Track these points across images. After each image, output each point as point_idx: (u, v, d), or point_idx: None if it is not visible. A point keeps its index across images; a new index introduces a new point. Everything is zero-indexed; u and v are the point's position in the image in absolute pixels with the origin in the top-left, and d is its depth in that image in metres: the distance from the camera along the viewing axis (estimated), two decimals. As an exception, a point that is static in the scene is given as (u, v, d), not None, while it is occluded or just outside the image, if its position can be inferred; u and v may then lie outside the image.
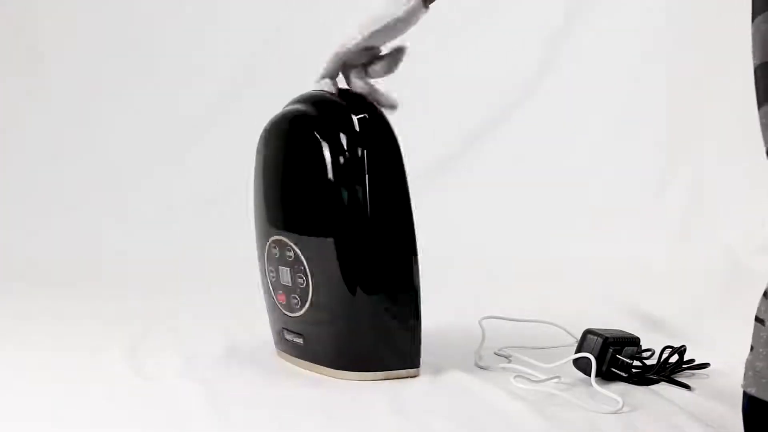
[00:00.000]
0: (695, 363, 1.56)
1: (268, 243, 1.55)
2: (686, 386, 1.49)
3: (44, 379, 1.52)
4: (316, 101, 1.52)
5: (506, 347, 1.64)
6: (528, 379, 1.50)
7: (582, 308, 1.92)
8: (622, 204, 2.36)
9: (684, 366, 1.55)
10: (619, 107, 2.44)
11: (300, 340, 1.54)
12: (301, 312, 1.52)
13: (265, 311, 1.62)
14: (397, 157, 1.49)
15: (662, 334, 1.74)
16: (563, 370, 1.51)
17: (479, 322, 1.68)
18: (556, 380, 1.50)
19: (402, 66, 1.54)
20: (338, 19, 2.47)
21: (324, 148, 1.47)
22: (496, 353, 1.63)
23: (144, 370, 1.55)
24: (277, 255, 1.53)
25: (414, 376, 1.52)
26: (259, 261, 1.59)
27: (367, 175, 1.47)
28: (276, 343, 1.61)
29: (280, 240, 1.52)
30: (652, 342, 1.61)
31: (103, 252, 2.30)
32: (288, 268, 1.52)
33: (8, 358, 1.63)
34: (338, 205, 1.47)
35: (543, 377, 1.50)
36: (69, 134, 2.53)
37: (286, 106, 1.56)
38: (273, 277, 1.56)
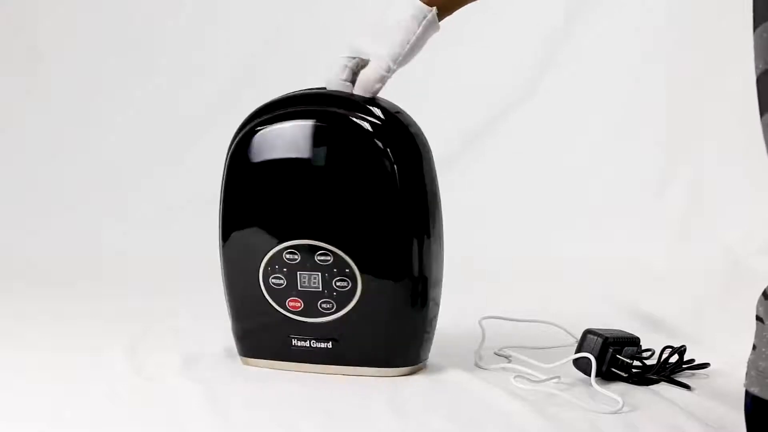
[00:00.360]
0: (695, 363, 1.56)
1: (275, 251, 1.51)
2: (686, 386, 1.49)
3: (44, 379, 1.52)
4: (342, 101, 1.50)
5: (506, 347, 1.64)
6: (528, 379, 1.50)
7: (582, 308, 1.92)
8: (621, 204, 2.36)
9: (684, 366, 1.55)
10: (619, 107, 2.44)
11: (326, 345, 1.52)
12: (337, 315, 1.50)
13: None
14: (422, 157, 1.52)
15: (662, 334, 1.74)
16: (563, 370, 1.51)
17: (479, 322, 1.68)
18: (556, 380, 1.50)
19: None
20: (337, 19, 2.48)
21: (383, 153, 1.47)
22: (496, 353, 1.63)
23: (144, 369, 1.55)
24: (297, 260, 1.50)
25: (421, 369, 1.54)
26: (243, 271, 1.54)
27: (422, 176, 1.49)
28: (267, 354, 1.55)
29: (308, 245, 1.49)
30: (652, 342, 1.61)
31: (103, 252, 2.30)
32: (318, 273, 1.50)
33: (8, 358, 1.63)
34: (399, 207, 1.47)
35: (543, 377, 1.50)
36: (68, 134, 2.53)
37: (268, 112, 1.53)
38: (279, 285, 1.52)
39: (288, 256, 1.50)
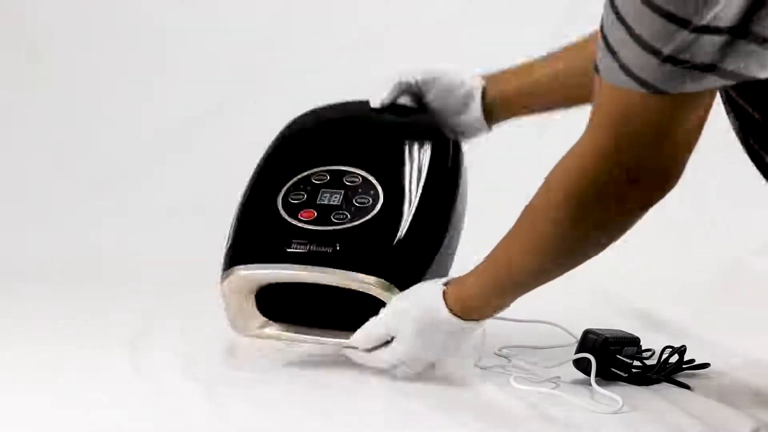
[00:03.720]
0: (695, 363, 1.56)
1: (304, 174, 1.57)
2: (686, 386, 1.49)
3: (44, 379, 1.52)
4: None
5: (506, 347, 1.64)
6: (528, 379, 1.50)
7: (582, 308, 1.92)
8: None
9: (684, 366, 1.55)
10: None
11: (327, 249, 1.51)
12: (348, 225, 1.52)
13: None
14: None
15: (662, 334, 1.74)
16: (563, 370, 1.51)
17: (479, 322, 1.68)
18: (556, 380, 1.50)
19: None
20: (338, 19, 2.48)
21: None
22: (496, 353, 1.63)
23: (144, 369, 1.55)
24: (326, 181, 1.55)
25: None
26: (262, 193, 1.58)
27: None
28: (258, 259, 1.55)
29: (341, 170, 1.56)
30: (652, 342, 1.61)
31: (103, 252, 2.30)
32: (342, 191, 1.54)
33: (8, 358, 1.63)
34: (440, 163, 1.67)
35: (543, 377, 1.50)
36: (69, 133, 2.53)
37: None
38: (298, 199, 1.54)
39: (317, 177, 1.56)
